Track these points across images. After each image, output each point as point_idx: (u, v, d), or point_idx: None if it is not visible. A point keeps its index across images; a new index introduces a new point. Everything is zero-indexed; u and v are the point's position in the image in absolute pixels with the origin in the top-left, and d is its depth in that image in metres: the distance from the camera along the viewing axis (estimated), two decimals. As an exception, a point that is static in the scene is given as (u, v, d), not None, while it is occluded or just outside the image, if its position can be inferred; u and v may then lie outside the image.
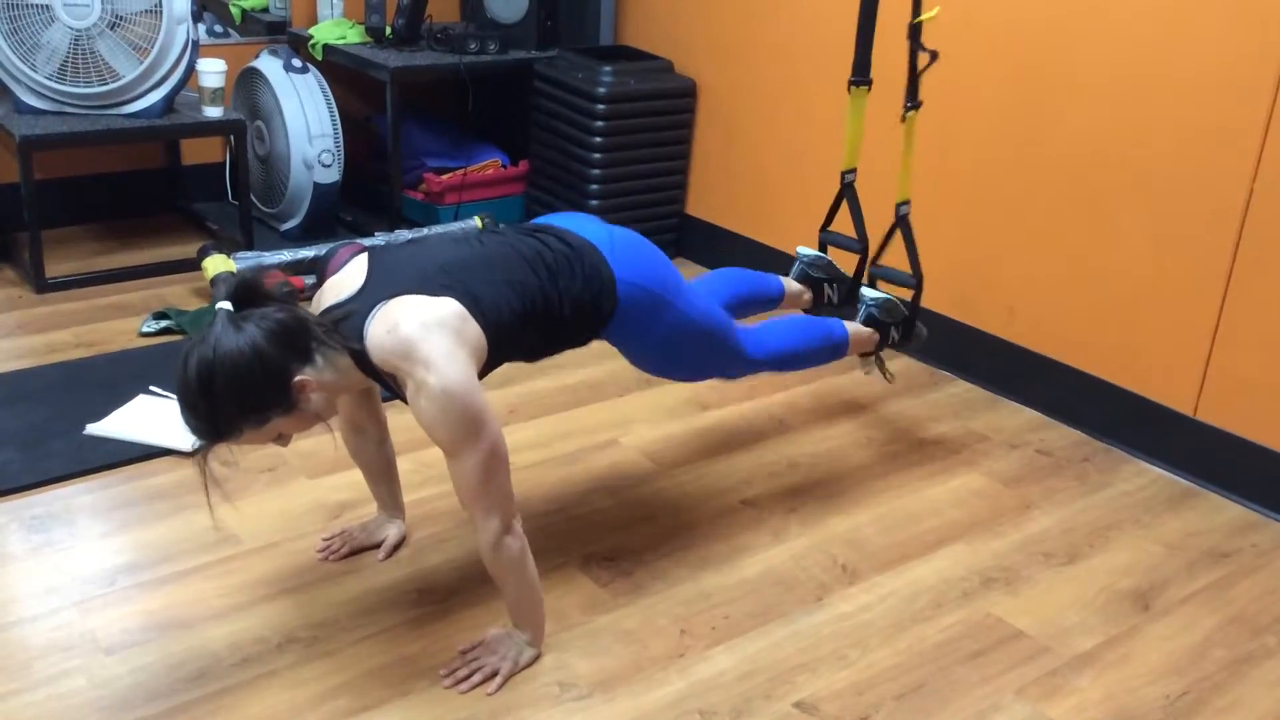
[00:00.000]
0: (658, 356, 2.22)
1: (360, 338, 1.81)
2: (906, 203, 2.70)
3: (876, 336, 2.70)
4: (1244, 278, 2.65)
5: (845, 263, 2.85)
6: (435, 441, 1.82)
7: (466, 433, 1.79)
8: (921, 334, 2.82)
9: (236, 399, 1.73)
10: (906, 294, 2.74)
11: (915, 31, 2.56)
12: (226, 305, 1.75)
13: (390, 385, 1.87)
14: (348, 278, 1.90)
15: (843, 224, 2.81)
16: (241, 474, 2.54)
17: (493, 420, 1.82)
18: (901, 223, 2.70)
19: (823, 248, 2.85)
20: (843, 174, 2.76)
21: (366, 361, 1.82)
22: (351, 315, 1.83)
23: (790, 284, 2.78)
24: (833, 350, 2.57)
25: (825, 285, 2.81)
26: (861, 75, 2.65)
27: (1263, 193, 2.58)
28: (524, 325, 1.93)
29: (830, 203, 2.83)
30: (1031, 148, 3.00)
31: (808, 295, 2.81)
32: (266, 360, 1.73)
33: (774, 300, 2.73)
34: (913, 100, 2.62)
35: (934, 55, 2.55)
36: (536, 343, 2.02)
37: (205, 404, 1.73)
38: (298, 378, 1.77)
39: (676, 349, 2.20)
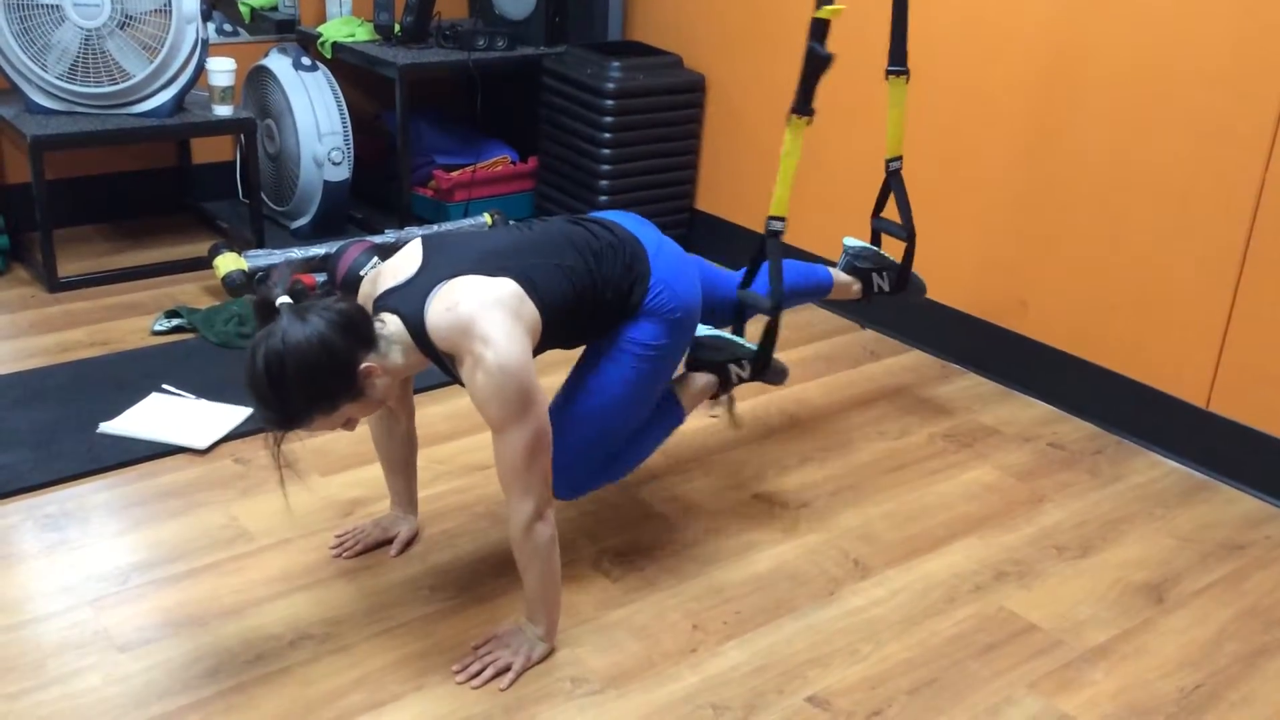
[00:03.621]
0: (639, 364, 2.10)
1: (420, 317, 1.84)
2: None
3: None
4: (1256, 269, 2.64)
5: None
6: (485, 417, 1.84)
7: (518, 410, 1.81)
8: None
9: (306, 389, 1.77)
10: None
11: (817, 28, 2.29)
12: (287, 299, 1.79)
13: (446, 365, 1.91)
14: (405, 262, 1.95)
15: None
16: (255, 472, 2.55)
17: (543, 402, 1.85)
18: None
19: (875, 234, 2.86)
20: (887, 162, 2.76)
21: (425, 340, 1.85)
22: (411, 295, 1.87)
23: (839, 275, 2.79)
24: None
25: (873, 275, 2.81)
26: (899, 64, 2.65)
27: (1274, 185, 2.57)
28: (574, 307, 1.97)
29: (849, 193, 2.84)
30: (1044, 143, 2.99)
31: (857, 286, 2.81)
32: (334, 349, 1.76)
33: (824, 289, 2.74)
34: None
35: (828, 58, 2.30)
36: (580, 326, 2.04)
37: (276, 395, 1.77)
38: (364, 364, 1.81)
39: (653, 368, 2.12)
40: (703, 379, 2.40)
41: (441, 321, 1.83)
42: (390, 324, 1.87)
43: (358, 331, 1.82)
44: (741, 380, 2.43)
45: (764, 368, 2.42)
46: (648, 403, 2.20)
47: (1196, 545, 2.51)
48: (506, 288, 1.86)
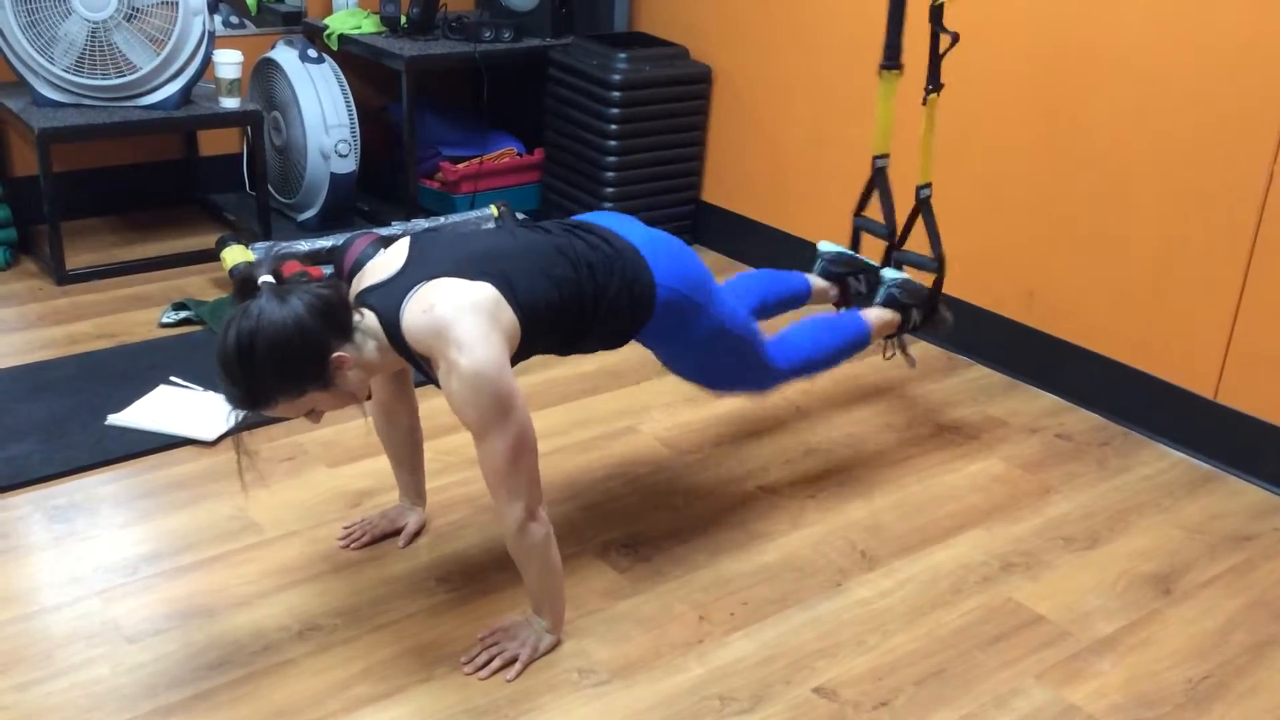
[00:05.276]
0: (693, 361, 2.24)
1: (396, 317, 1.84)
2: (928, 185, 2.69)
3: (898, 319, 2.70)
4: (1265, 260, 2.63)
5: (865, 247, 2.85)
6: (464, 423, 1.83)
7: (496, 415, 1.80)
8: (946, 320, 2.80)
9: (275, 368, 1.76)
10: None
11: (937, 13, 2.56)
12: (269, 279, 1.78)
13: (422, 367, 1.90)
14: (389, 260, 1.93)
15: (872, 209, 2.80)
16: (262, 463, 2.56)
17: (522, 405, 1.84)
18: (923, 206, 2.70)
19: (855, 233, 2.84)
20: (874, 159, 2.75)
21: (401, 341, 1.84)
22: (390, 295, 1.86)
23: (816, 280, 2.78)
24: (856, 345, 2.57)
25: (849, 279, 2.80)
26: (892, 60, 2.64)
27: (1284, 174, 2.56)
28: (558, 317, 1.95)
29: (856, 187, 2.82)
30: (1053, 131, 2.98)
31: (834, 290, 2.81)
32: (307, 332, 1.76)
33: (801, 298, 2.73)
34: (934, 83, 2.61)
35: (955, 37, 2.54)
36: (569, 336, 2.03)
37: (243, 370, 1.76)
38: (336, 353, 1.80)
39: (712, 354, 2.22)
40: (889, 316, 2.65)
41: (417, 323, 1.81)
42: (368, 319, 1.86)
43: (334, 319, 1.80)
44: (917, 325, 2.73)
45: (930, 316, 2.74)
46: (746, 332, 2.26)
47: (1204, 536, 2.51)
48: (484, 292, 1.84)
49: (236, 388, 1.79)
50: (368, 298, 1.89)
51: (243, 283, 1.80)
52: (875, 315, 2.65)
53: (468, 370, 1.77)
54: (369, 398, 1.96)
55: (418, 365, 1.90)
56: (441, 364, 1.81)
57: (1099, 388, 3.00)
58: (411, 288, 1.85)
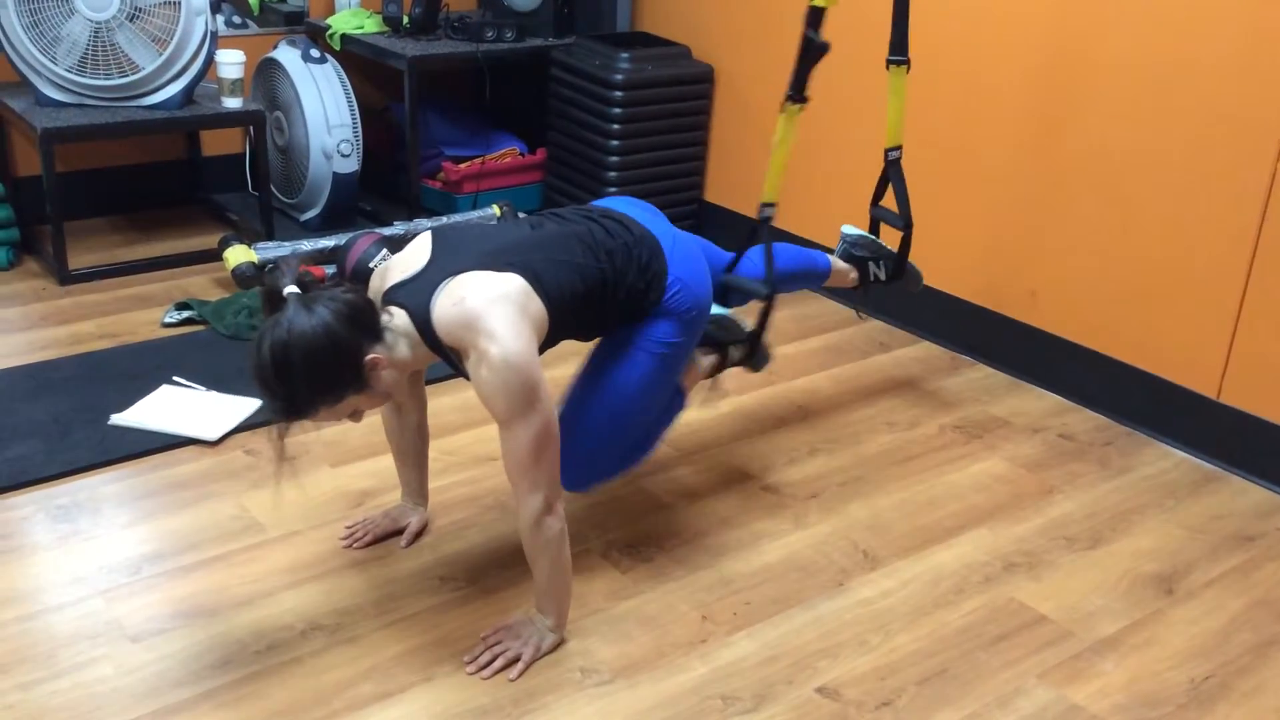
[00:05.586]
0: (656, 362, 2.11)
1: (427, 312, 1.85)
2: (772, 205, 2.53)
3: (713, 360, 2.44)
4: (1267, 260, 2.63)
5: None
6: (492, 412, 1.85)
7: (523, 405, 1.82)
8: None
9: (312, 379, 1.77)
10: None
11: (814, 16, 2.32)
12: (294, 289, 1.79)
13: (453, 360, 1.91)
14: (413, 256, 1.95)
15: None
16: (265, 463, 2.56)
17: (548, 398, 1.86)
18: (762, 225, 2.52)
19: (874, 223, 2.85)
20: (886, 151, 2.74)
21: (431, 334, 1.86)
22: (418, 290, 1.88)
23: (836, 262, 2.79)
24: (674, 412, 2.36)
25: (870, 263, 2.81)
26: (899, 54, 2.63)
27: (1287, 173, 2.56)
28: (582, 305, 1.98)
29: (858, 186, 2.82)
30: (1054, 132, 2.98)
31: (853, 274, 2.81)
32: (339, 340, 1.77)
33: (820, 276, 2.73)
34: (797, 93, 2.37)
35: (824, 48, 2.33)
36: (592, 322, 2.06)
37: (282, 385, 1.77)
38: (369, 356, 1.81)
39: (668, 365, 2.14)
40: (705, 361, 2.41)
41: (447, 316, 1.84)
42: (397, 318, 1.88)
43: (364, 323, 1.82)
44: (735, 362, 2.46)
45: (753, 352, 2.48)
46: (662, 398, 2.21)
47: (1207, 536, 2.51)
48: (513, 283, 1.87)
49: (277, 401, 1.80)
50: (395, 295, 1.91)
51: (269, 295, 1.80)
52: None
53: (498, 359, 1.79)
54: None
55: (448, 359, 1.92)
56: (472, 354, 1.83)
57: (1102, 387, 3.00)
58: (440, 282, 1.87)
